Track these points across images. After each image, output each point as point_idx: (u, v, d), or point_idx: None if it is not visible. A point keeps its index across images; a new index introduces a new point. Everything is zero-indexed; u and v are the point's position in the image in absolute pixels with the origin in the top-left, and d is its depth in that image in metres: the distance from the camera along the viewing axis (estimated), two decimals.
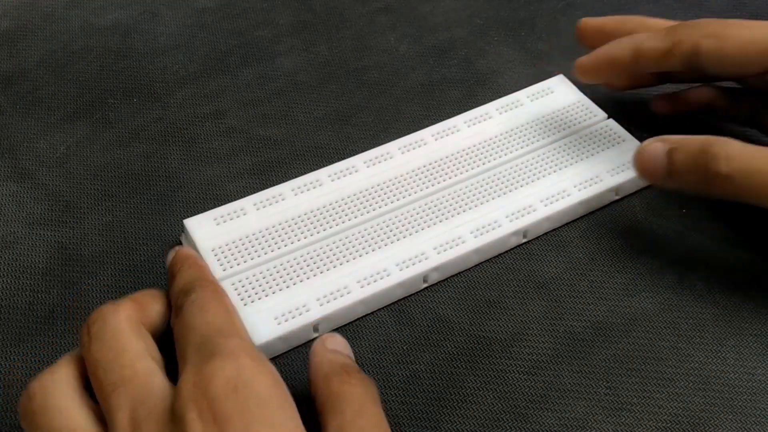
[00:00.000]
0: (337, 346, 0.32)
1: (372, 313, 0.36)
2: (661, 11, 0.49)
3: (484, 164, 0.40)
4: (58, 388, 0.29)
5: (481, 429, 0.33)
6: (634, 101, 0.44)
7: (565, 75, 0.44)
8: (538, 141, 0.41)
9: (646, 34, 0.38)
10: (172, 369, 0.29)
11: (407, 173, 0.40)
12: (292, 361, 0.34)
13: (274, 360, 0.34)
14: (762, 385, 0.34)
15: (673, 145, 0.36)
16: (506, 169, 0.40)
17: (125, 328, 0.29)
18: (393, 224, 0.38)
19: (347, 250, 0.37)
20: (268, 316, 0.34)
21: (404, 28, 0.49)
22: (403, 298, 0.37)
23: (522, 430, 0.33)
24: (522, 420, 0.33)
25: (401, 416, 0.33)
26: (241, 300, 0.35)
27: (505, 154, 0.41)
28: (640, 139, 0.41)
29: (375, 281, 0.36)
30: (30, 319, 0.35)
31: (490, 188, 0.39)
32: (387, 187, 0.39)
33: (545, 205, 0.39)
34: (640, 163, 0.36)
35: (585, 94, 0.43)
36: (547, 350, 0.35)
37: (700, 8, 0.50)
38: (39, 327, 0.35)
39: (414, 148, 0.41)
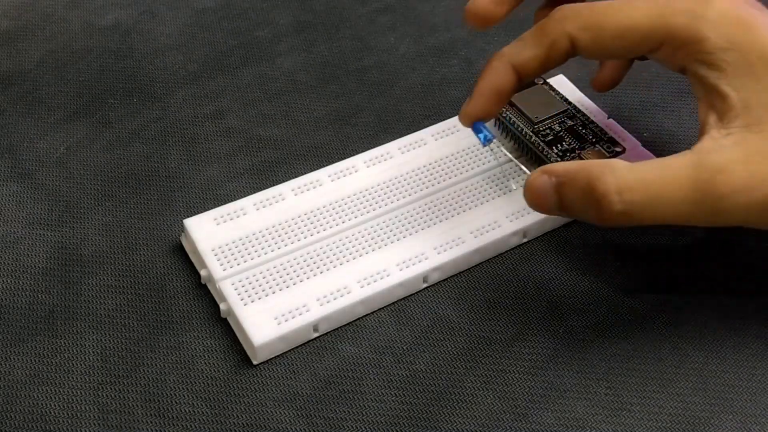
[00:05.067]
0: None
1: (372, 313, 0.36)
2: None
3: (484, 164, 0.40)
4: None
5: (481, 429, 0.33)
6: (634, 101, 0.44)
7: (565, 75, 0.44)
8: None
9: (514, 45, 0.35)
10: None
11: (407, 173, 0.40)
12: (292, 361, 0.35)
13: (274, 360, 0.34)
14: (762, 385, 0.34)
15: (559, 179, 0.32)
16: (506, 169, 0.40)
17: None
18: (393, 224, 0.38)
19: (347, 249, 0.37)
20: (268, 316, 0.34)
21: (404, 28, 0.49)
22: (403, 298, 0.37)
23: (522, 430, 0.33)
24: (522, 420, 0.33)
25: (401, 416, 0.33)
26: (241, 300, 0.35)
27: (505, 154, 0.41)
28: (640, 139, 0.41)
29: (375, 281, 0.36)
30: (30, 319, 0.35)
31: (491, 188, 0.39)
32: (387, 187, 0.39)
33: None
34: (529, 199, 0.33)
35: (585, 94, 0.43)
36: (547, 350, 0.35)
37: None
38: (39, 327, 0.35)
39: (414, 148, 0.41)
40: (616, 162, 0.32)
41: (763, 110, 0.31)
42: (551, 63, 0.34)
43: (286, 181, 0.39)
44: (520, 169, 0.36)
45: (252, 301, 0.35)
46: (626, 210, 0.31)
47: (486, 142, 0.36)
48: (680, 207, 0.31)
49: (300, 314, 0.35)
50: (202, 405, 0.33)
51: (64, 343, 0.35)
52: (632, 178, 0.31)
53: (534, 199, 0.33)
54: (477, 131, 0.36)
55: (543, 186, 0.33)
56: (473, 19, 0.37)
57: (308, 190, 0.39)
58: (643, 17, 0.32)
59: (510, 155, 0.38)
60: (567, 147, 0.39)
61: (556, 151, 0.39)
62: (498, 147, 0.37)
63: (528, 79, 0.35)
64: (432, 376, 0.34)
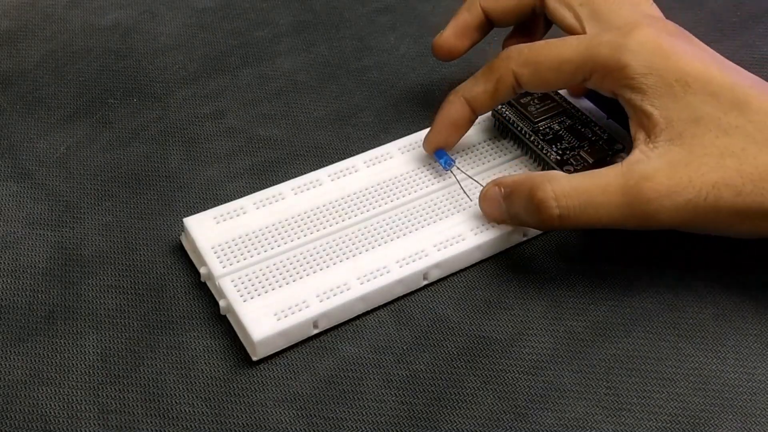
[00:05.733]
0: None
1: (372, 312, 0.36)
2: (662, 11, 0.49)
3: (484, 164, 0.40)
4: None
5: (481, 429, 0.33)
6: None
7: None
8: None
9: (468, 82, 0.39)
10: None
11: (407, 173, 0.40)
12: (292, 361, 0.34)
13: (274, 356, 0.34)
14: (762, 385, 0.34)
15: (506, 190, 0.37)
16: (507, 168, 0.40)
17: None
18: (393, 222, 0.38)
19: (347, 247, 0.37)
20: (268, 312, 0.34)
21: (404, 28, 0.49)
22: (404, 298, 0.37)
23: (522, 430, 0.33)
24: (522, 420, 0.33)
25: (401, 416, 0.33)
26: (241, 296, 0.35)
27: (505, 154, 0.41)
28: None
29: (375, 278, 0.36)
30: (30, 319, 0.35)
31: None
32: (387, 187, 0.39)
33: None
34: (482, 208, 0.38)
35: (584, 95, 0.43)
36: (547, 350, 0.35)
37: (700, 8, 0.50)
38: (39, 327, 0.35)
39: (414, 148, 0.41)
40: (556, 173, 0.36)
41: (683, 125, 0.35)
42: (500, 96, 0.38)
43: (286, 181, 0.39)
44: (480, 185, 0.39)
45: (251, 298, 0.35)
46: (563, 214, 0.35)
47: (447, 166, 0.39)
48: (613, 211, 0.35)
49: (300, 310, 0.35)
50: (202, 405, 0.33)
51: (64, 343, 0.35)
52: (568, 186, 0.35)
53: (487, 207, 0.37)
54: (439, 157, 0.39)
55: (494, 196, 0.37)
56: (439, 51, 0.42)
57: (308, 189, 0.39)
58: (573, 52, 0.36)
59: (467, 174, 0.40)
60: (567, 146, 0.39)
61: (555, 150, 0.39)
62: (458, 170, 0.40)
63: (481, 111, 0.39)
64: (432, 376, 0.34)
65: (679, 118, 0.35)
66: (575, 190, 0.35)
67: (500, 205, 0.37)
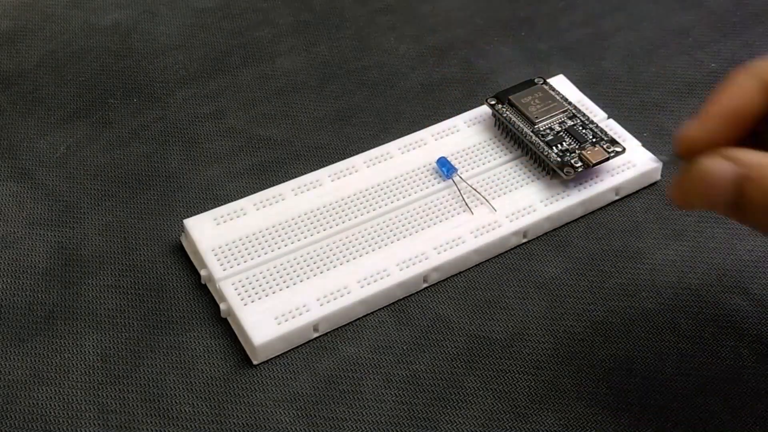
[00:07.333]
0: None
1: (372, 313, 0.36)
2: (661, 11, 0.49)
3: (484, 164, 0.40)
4: None
5: (481, 429, 0.33)
6: (634, 101, 0.44)
7: (565, 75, 0.44)
8: None
9: (762, 61, 0.27)
10: None
11: (407, 173, 0.40)
12: (292, 361, 0.34)
13: (274, 360, 0.34)
14: (762, 385, 0.34)
15: (746, 171, 0.25)
16: (507, 169, 0.40)
17: None
18: (393, 224, 0.38)
19: (347, 249, 0.37)
20: (268, 316, 0.34)
21: (404, 28, 0.49)
22: (404, 299, 0.37)
23: (522, 430, 0.33)
24: (522, 420, 0.33)
25: (401, 416, 0.33)
26: (241, 300, 0.35)
27: (505, 155, 0.41)
28: (640, 139, 0.41)
29: (375, 281, 0.36)
30: (30, 319, 0.35)
31: (491, 188, 0.39)
32: (387, 187, 0.39)
33: (545, 205, 0.39)
34: (694, 185, 0.26)
35: (585, 94, 0.43)
36: (547, 350, 0.35)
37: (700, 8, 0.50)
38: (39, 327, 0.35)
39: (414, 148, 0.41)
40: None
41: None
42: None
43: (286, 181, 0.39)
44: (484, 198, 0.38)
45: (252, 301, 0.35)
46: None
47: (448, 175, 0.37)
48: None
49: (300, 314, 0.35)
50: (202, 405, 0.33)
51: (64, 343, 0.35)
52: None
53: (700, 186, 0.26)
54: (441, 165, 0.38)
55: (721, 173, 0.26)
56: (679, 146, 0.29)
57: (308, 190, 0.39)
58: None
59: (469, 183, 0.39)
60: (567, 147, 0.39)
61: (555, 151, 0.39)
62: (460, 179, 0.38)
63: None
64: (432, 376, 0.34)
65: None
66: None
67: (725, 188, 0.26)
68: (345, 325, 0.36)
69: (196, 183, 0.41)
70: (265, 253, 0.36)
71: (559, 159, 0.39)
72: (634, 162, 0.40)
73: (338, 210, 0.38)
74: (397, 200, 0.39)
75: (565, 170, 0.38)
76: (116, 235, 0.38)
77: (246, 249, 0.36)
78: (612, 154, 0.39)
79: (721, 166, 0.26)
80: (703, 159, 0.26)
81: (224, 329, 0.35)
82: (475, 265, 0.38)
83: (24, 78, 0.45)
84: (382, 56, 0.47)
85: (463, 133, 0.41)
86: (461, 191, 0.39)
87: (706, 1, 0.50)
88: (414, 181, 0.39)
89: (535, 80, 0.42)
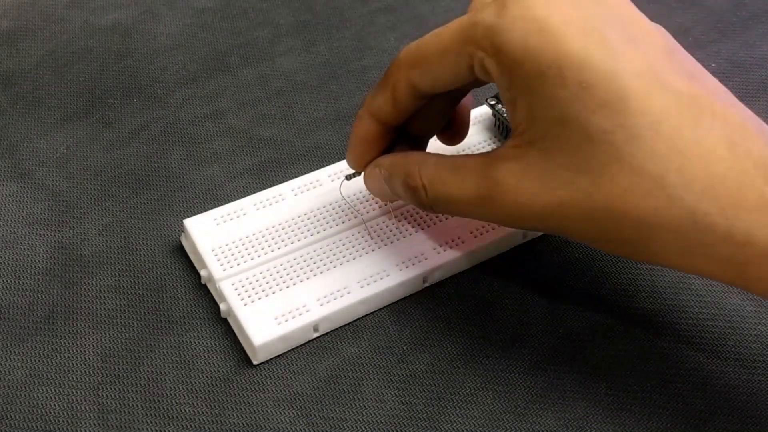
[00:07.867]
0: None
1: (372, 313, 0.36)
2: (661, 11, 0.49)
3: None
4: None
5: (481, 429, 0.33)
6: None
7: None
8: None
9: (369, 93, 0.34)
10: None
11: None
12: (292, 361, 0.35)
13: (274, 360, 0.34)
14: (762, 385, 0.34)
15: (386, 171, 0.34)
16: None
17: None
18: (393, 224, 0.38)
19: (347, 250, 0.37)
20: (268, 316, 0.34)
21: (404, 28, 0.49)
22: (403, 298, 0.37)
23: (522, 430, 0.33)
24: (522, 420, 0.33)
25: (401, 416, 0.33)
26: (241, 300, 0.35)
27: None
28: None
29: (375, 281, 0.36)
30: (30, 319, 0.35)
31: None
32: None
33: None
34: (368, 188, 0.36)
35: None
36: (547, 350, 0.35)
37: (700, 8, 0.50)
38: (39, 327, 0.35)
39: None
40: (429, 156, 0.33)
41: (548, 125, 0.29)
42: (402, 105, 0.33)
43: (286, 181, 0.39)
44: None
45: (252, 302, 0.35)
46: (434, 204, 0.33)
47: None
48: (470, 208, 0.32)
49: (300, 314, 0.35)
50: (202, 405, 0.33)
51: (64, 343, 0.35)
52: (435, 176, 0.33)
53: (372, 189, 0.36)
54: None
55: (376, 178, 0.35)
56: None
57: (308, 190, 0.39)
58: (449, 37, 0.31)
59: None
60: None
61: None
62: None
63: (395, 123, 0.34)
64: (432, 376, 0.34)
65: (544, 116, 0.29)
66: (439, 180, 0.32)
67: (383, 187, 0.35)
68: (345, 325, 0.36)
69: (196, 183, 0.41)
70: (265, 253, 0.36)
71: None
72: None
73: (338, 210, 0.38)
74: (397, 200, 0.38)
75: None
76: (116, 235, 0.38)
77: (246, 249, 0.36)
78: None
79: (373, 170, 0.35)
80: (366, 169, 0.35)
81: (224, 329, 0.35)
82: (475, 266, 0.38)
83: (24, 78, 0.45)
84: (382, 56, 0.47)
85: None
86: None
87: (706, 1, 0.50)
88: None
89: None
